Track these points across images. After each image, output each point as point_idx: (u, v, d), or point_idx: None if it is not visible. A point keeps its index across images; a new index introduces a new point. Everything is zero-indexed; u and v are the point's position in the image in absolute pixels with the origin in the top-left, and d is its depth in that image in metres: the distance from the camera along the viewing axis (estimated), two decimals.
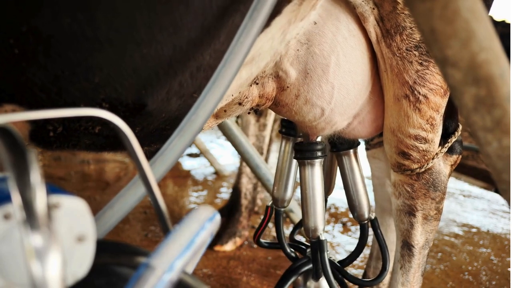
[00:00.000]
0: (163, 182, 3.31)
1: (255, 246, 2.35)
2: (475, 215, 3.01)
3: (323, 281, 1.30)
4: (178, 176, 3.55)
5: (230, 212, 2.43)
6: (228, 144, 4.40)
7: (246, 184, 2.46)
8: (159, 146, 0.93)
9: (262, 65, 0.93)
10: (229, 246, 2.30)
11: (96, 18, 0.64)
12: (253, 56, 0.88)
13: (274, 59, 0.96)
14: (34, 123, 0.73)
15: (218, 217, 0.54)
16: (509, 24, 3.39)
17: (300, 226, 1.49)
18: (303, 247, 1.38)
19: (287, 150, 1.31)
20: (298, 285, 1.33)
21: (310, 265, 1.29)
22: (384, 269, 1.28)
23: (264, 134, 2.46)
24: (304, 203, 1.23)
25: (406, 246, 1.26)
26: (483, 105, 0.56)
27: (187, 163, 3.97)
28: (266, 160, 2.60)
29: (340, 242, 2.45)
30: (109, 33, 0.66)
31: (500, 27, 3.36)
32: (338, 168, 1.37)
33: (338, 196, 3.00)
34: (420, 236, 1.24)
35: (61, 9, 0.61)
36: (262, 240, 1.39)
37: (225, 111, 1.03)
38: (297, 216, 2.06)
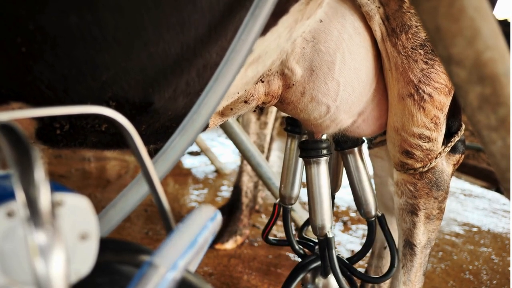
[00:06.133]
0: (164, 180, 3.31)
1: (256, 244, 2.35)
2: (476, 214, 3.01)
3: (331, 278, 1.30)
4: (179, 174, 3.55)
5: (231, 211, 2.43)
6: (229, 142, 4.40)
7: (247, 183, 2.46)
8: (165, 144, 0.93)
9: (268, 63, 0.93)
10: (229, 245, 2.30)
11: (103, 18, 0.64)
12: (259, 55, 0.88)
13: (280, 57, 0.96)
14: (41, 121, 0.73)
15: (219, 217, 0.54)
16: (510, 24, 3.39)
17: (309, 224, 1.49)
18: (311, 244, 1.38)
19: (293, 147, 1.31)
20: (307, 282, 1.34)
21: (319, 262, 1.29)
22: (392, 265, 1.28)
23: (265, 132, 2.46)
24: (311, 202, 1.23)
25: (408, 245, 1.26)
26: (487, 104, 0.56)
27: (188, 161, 3.97)
28: (267, 158, 2.60)
29: (341, 241, 2.45)
30: (116, 32, 0.66)
31: (502, 26, 3.34)
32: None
33: (339, 195, 3.00)
34: (422, 236, 1.24)
35: (68, 8, 0.61)
36: (270, 237, 1.39)
37: (231, 109, 1.03)
38: (298, 215, 2.06)
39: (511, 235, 2.65)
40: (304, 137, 1.29)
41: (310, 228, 1.29)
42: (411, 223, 1.24)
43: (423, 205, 1.22)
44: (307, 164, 1.22)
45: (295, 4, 0.84)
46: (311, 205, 1.22)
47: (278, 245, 1.43)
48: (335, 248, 1.22)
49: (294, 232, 1.52)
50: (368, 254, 1.73)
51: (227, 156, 4.22)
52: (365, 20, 1.01)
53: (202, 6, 0.71)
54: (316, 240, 1.37)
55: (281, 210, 1.35)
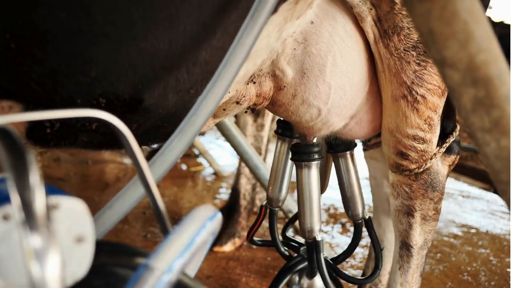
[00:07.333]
0: (162, 182, 3.30)
1: (254, 246, 2.35)
2: (474, 215, 3.01)
3: (317, 278, 1.31)
4: (177, 176, 3.54)
5: (229, 213, 2.43)
6: (227, 144, 4.40)
7: (245, 185, 2.46)
8: (156, 144, 0.93)
9: (258, 62, 0.93)
10: (228, 247, 2.30)
11: (93, 12, 0.64)
12: None
13: (271, 56, 0.96)
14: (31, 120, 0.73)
15: (219, 216, 0.54)
16: (507, 25, 3.40)
17: (292, 222, 1.51)
18: (296, 245, 1.39)
19: (283, 150, 1.31)
20: (292, 283, 1.34)
21: (305, 263, 1.30)
22: (376, 267, 1.30)
23: (262, 134, 2.46)
24: (300, 205, 1.23)
25: (405, 246, 1.26)
26: (481, 106, 0.56)
27: None
28: (264, 160, 2.60)
29: (339, 243, 2.45)
30: (105, 27, 0.66)
31: (499, 27, 3.36)
32: (333, 166, 1.38)
33: (338, 197, 2.99)
34: (419, 237, 1.24)
35: (57, 4, 0.61)
36: (255, 238, 1.40)
37: (223, 109, 1.03)
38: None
39: (511, 237, 2.66)
40: (294, 141, 1.29)
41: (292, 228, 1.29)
42: (407, 224, 1.24)
43: (419, 206, 1.22)
44: (298, 168, 1.23)
45: (283, 3, 0.84)
46: (301, 208, 1.23)
47: (262, 245, 1.44)
48: (323, 252, 1.23)
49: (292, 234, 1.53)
50: (367, 255, 1.73)
51: (225, 158, 4.22)
52: (357, 22, 1.02)
53: (191, 2, 0.71)
54: (300, 241, 1.38)
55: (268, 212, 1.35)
